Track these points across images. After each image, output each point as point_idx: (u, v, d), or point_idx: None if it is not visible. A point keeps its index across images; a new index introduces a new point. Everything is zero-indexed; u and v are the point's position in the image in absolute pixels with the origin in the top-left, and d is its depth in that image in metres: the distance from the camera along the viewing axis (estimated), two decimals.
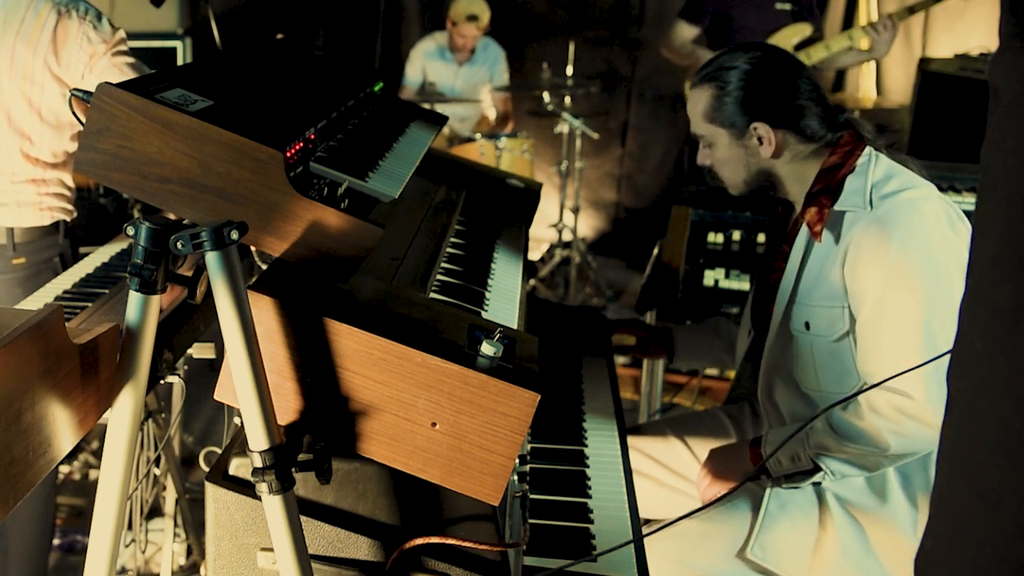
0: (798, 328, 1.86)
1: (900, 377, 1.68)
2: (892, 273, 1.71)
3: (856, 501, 1.84)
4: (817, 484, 1.86)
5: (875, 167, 1.82)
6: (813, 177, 1.86)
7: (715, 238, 2.88)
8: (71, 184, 2.41)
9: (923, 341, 1.67)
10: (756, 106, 1.85)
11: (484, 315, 1.61)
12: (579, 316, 2.64)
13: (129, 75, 2.26)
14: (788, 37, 4.02)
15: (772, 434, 1.88)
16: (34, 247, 2.34)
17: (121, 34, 2.31)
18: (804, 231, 1.87)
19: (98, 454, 3.27)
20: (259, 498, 1.19)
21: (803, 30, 4.03)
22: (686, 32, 4.20)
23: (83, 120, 1.21)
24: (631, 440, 2.08)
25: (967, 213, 2.73)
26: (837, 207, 1.80)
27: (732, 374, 2.27)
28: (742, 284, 2.82)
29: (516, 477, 1.45)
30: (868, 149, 1.85)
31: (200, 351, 2.20)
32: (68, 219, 2.40)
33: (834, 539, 1.82)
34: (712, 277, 2.86)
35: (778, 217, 2.06)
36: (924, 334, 1.67)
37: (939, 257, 1.70)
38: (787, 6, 4.09)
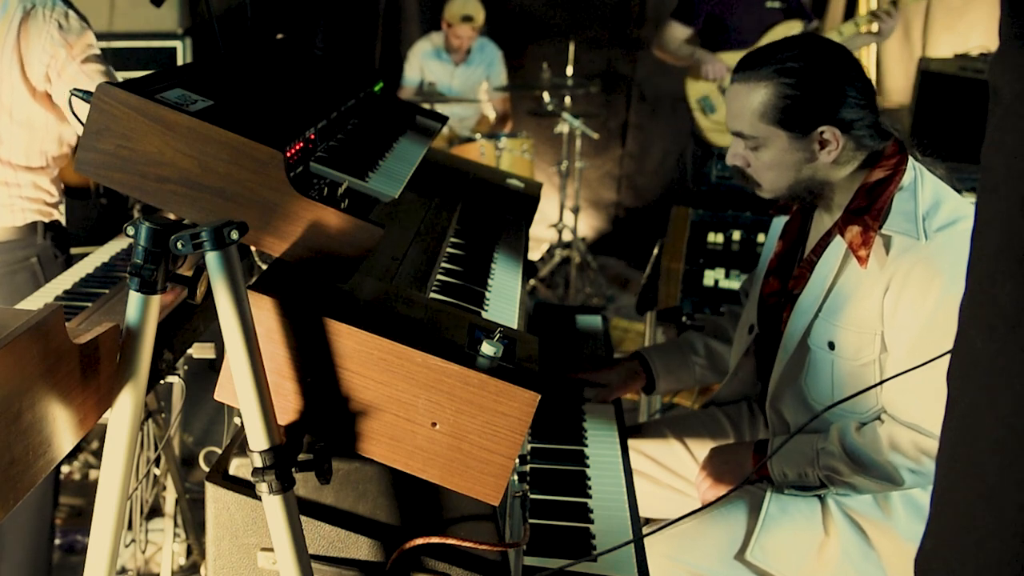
0: (819, 344, 1.80)
1: (926, 416, 1.66)
2: (937, 315, 1.64)
3: (858, 507, 1.83)
4: (822, 498, 1.84)
5: (923, 187, 1.73)
6: (855, 189, 1.76)
7: (715, 238, 2.88)
8: (50, 188, 2.36)
9: None
10: (822, 107, 1.70)
11: (484, 315, 1.61)
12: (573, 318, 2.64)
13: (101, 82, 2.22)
14: (782, 35, 4.06)
15: (778, 443, 1.85)
16: (7, 246, 2.30)
17: (90, 38, 2.25)
18: (838, 245, 1.78)
19: (98, 454, 3.27)
20: (259, 498, 1.19)
21: (794, 28, 4.07)
22: (679, 33, 4.22)
23: (82, 120, 1.21)
24: (630, 440, 2.07)
25: None
26: (884, 230, 1.70)
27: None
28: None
29: (516, 477, 1.45)
30: (911, 163, 1.76)
31: (200, 351, 2.20)
32: (47, 220, 2.36)
33: (836, 543, 1.80)
34: (712, 277, 2.86)
35: (795, 217, 1.98)
36: None
37: None
38: (777, 3, 4.13)
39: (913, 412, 1.69)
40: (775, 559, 1.80)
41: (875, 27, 4.00)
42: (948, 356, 1.66)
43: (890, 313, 1.70)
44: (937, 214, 1.69)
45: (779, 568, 1.80)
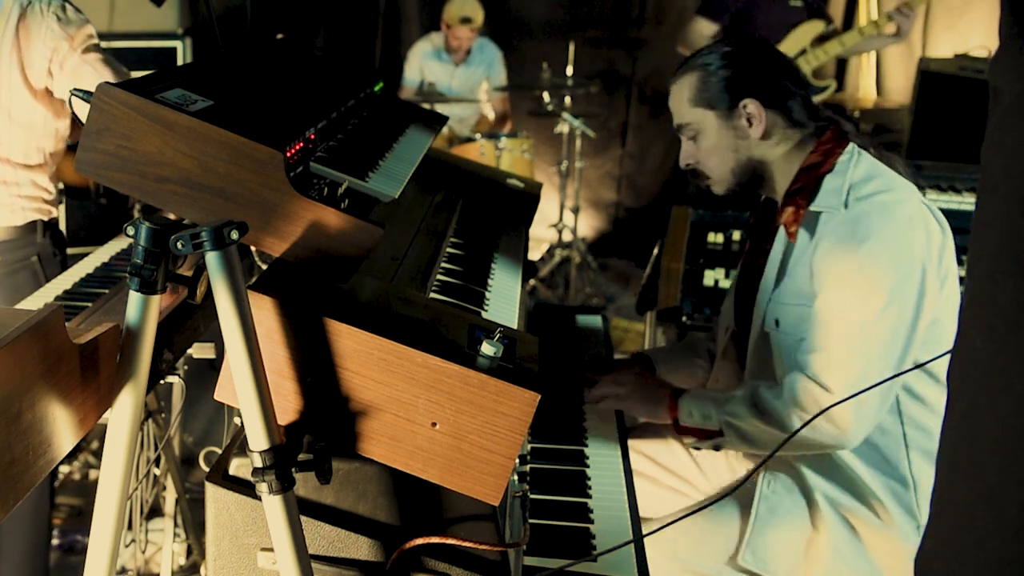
0: (770, 325, 1.85)
1: (824, 367, 1.72)
2: (850, 274, 1.70)
3: (847, 503, 1.83)
4: (718, 448, 1.88)
5: (856, 166, 1.79)
6: (795, 174, 1.83)
7: (715, 238, 2.88)
8: (48, 185, 2.36)
9: (857, 344, 1.69)
10: (743, 82, 1.81)
11: (484, 315, 1.61)
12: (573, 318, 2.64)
13: (103, 71, 2.19)
14: (806, 34, 4.11)
15: (695, 392, 1.91)
16: (8, 246, 2.30)
17: (89, 29, 2.24)
18: (780, 230, 1.85)
19: (98, 454, 3.27)
20: (259, 498, 1.19)
21: (817, 27, 4.11)
22: (705, 29, 4.24)
23: (82, 120, 1.21)
24: (630, 440, 2.07)
25: (967, 213, 2.74)
26: (813, 207, 1.78)
27: None
28: None
29: (516, 477, 1.45)
30: (851, 147, 1.82)
31: (200, 351, 2.20)
32: (46, 218, 2.36)
33: (827, 539, 1.81)
34: (712, 277, 2.86)
35: (760, 213, 2.03)
36: (860, 336, 1.69)
37: (903, 265, 1.69)
38: (799, 2, 4.15)
39: (816, 367, 1.73)
40: (766, 561, 1.82)
41: (893, 27, 4.06)
42: (893, 328, 1.69)
43: (817, 271, 1.76)
44: (863, 187, 1.77)
45: (772, 569, 1.81)
